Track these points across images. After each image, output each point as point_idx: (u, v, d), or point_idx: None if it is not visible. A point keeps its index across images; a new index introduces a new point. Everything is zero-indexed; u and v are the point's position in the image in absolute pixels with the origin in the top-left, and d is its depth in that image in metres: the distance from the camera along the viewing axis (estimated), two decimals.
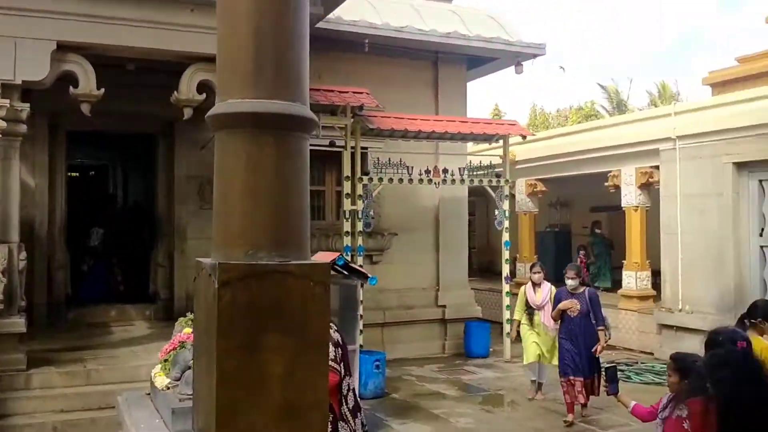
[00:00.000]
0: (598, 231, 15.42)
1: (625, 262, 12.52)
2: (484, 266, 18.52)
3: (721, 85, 11.75)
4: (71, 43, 7.13)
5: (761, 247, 10.02)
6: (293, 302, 2.39)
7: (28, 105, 7.28)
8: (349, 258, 9.18)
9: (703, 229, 10.60)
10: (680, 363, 3.68)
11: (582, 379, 7.43)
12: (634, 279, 12.23)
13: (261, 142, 2.41)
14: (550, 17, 57.14)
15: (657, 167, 11.64)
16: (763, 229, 10.01)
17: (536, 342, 8.30)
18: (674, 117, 11.14)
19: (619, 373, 9.87)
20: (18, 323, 7.14)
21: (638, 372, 9.89)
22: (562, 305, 7.58)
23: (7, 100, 6.92)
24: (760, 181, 10.00)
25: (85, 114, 7.32)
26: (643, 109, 27.41)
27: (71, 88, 7.21)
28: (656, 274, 11.93)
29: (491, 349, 11.46)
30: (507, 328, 10.66)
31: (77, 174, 15.38)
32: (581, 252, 15.19)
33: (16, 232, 7.34)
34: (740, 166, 10.13)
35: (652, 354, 11.19)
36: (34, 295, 9.22)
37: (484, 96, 56.41)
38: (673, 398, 3.74)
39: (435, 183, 10.65)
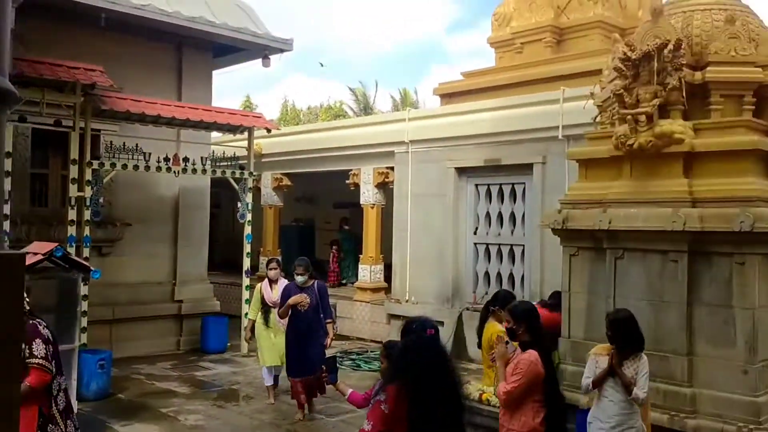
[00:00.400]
0: (346, 227, 16.04)
1: (362, 256, 13.21)
2: (228, 259, 18.27)
3: (448, 96, 12.88)
4: None
5: (475, 243, 11.23)
6: None
7: None
8: (72, 249, 8.46)
9: (429, 226, 11.58)
10: (391, 350, 3.96)
11: (308, 377, 7.28)
12: (368, 272, 12.95)
13: None
14: (309, 16, 58.23)
15: (392, 168, 12.46)
16: (477, 228, 11.22)
17: (272, 344, 8.09)
18: (407, 123, 12.01)
19: (350, 361, 10.47)
20: None
21: (367, 360, 10.50)
22: (291, 300, 7.35)
23: None
24: (476, 185, 11.19)
25: None
26: (386, 113, 29.19)
27: None
28: (389, 268, 12.75)
29: (229, 344, 11.34)
30: (245, 322, 10.59)
31: None
32: (334, 247, 15.67)
33: None
34: (460, 171, 11.24)
35: (381, 343, 11.90)
36: None
37: (239, 88, 55.83)
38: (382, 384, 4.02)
39: (174, 172, 10.24)
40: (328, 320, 7.50)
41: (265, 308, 8.22)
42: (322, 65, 42.28)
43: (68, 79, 8.75)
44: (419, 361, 3.43)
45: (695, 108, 6.24)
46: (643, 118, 6.03)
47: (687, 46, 6.20)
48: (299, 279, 7.48)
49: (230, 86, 59.99)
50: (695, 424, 5.68)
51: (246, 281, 11.12)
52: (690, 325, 5.92)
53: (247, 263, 11.16)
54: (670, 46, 5.94)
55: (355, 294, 13.19)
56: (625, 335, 4.85)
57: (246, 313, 10.20)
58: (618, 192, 6.39)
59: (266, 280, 8.42)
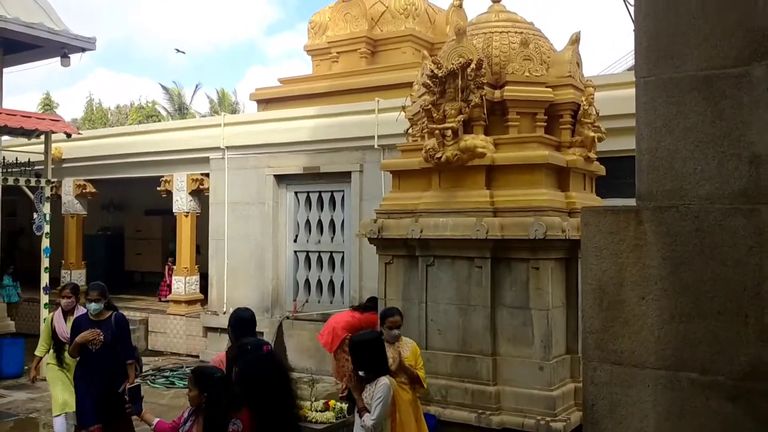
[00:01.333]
0: None
1: (175, 267, 12.63)
2: (30, 272, 16.63)
3: (265, 102, 12.70)
4: None
5: (295, 251, 11.19)
6: None
7: None
8: None
9: (248, 235, 11.35)
10: (200, 377, 3.81)
11: (102, 426, 6.08)
12: (183, 284, 12.42)
13: None
14: (115, 11, 54.81)
15: (207, 174, 12.06)
16: (297, 236, 11.18)
17: (67, 390, 6.60)
18: (223, 128, 11.67)
19: (163, 379, 9.98)
20: None
21: (182, 377, 10.01)
22: (80, 337, 6.06)
23: None
24: (296, 192, 11.15)
25: None
26: (206, 115, 28.25)
27: None
28: (205, 278, 12.29)
29: (26, 367, 10.30)
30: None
31: None
32: (169, 259, 14.73)
33: None
34: (280, 178, 11.14)
35: (198, 357, 11.50)
36: None
37: (38, 85, 51.36)
38: (194, 411, 3.85)
39: None
40: (130, 361, 6.24)
41: (58, 344, 6.71)
42: (178, 51, 40.00)
43: None
44: (264, 379, 3.44)
45: (496, 124, 6.69)
46: (449, 132, 6.34)
47: (488, 65, 6.63)
48: (92, 307, 6.16)
49: (27, 82, 54.95)
50: (499, 420, 6.08)
51: (45, 298, 10.19)
52: (494, 327, 6.33)
53: (45, 279, 10.22)
54: (473, 65, 6.31)
55: (168, 307, 12.59)
56: (363, 359, 4.62)
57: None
58: (428, 202, 6.67)
59: (59, 309, 6.85)
